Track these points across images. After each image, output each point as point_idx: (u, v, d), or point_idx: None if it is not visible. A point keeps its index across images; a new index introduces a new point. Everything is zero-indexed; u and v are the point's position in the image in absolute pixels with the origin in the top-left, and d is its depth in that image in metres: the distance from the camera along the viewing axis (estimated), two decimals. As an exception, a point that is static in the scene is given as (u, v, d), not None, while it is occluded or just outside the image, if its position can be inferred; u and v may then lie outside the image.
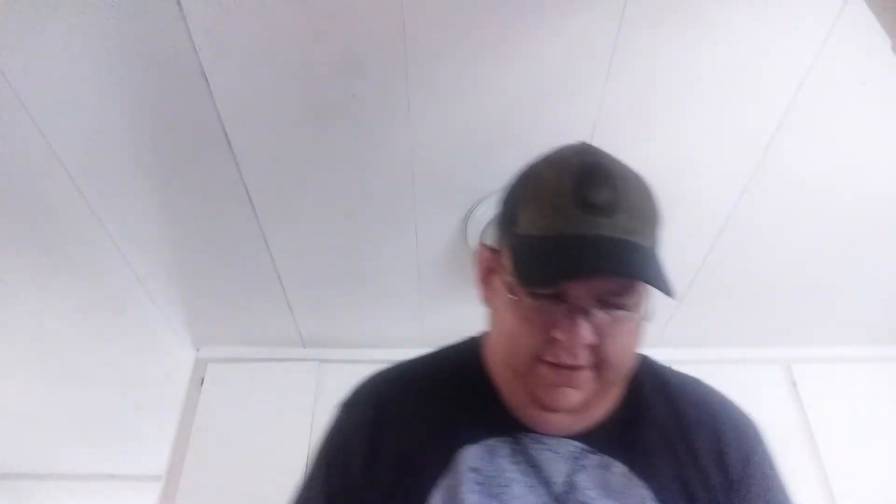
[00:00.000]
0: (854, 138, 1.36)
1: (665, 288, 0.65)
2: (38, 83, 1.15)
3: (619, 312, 0.69)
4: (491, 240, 0.81)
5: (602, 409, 0.78)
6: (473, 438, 0.76)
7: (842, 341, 2.07)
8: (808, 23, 1.13)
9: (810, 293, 1.84)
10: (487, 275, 0.80)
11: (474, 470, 0.73)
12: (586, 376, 0.70)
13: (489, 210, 1.49)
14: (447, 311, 1.91)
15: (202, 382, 2.01)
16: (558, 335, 0.68)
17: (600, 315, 0.68)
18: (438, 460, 0.74)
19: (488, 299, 0.81)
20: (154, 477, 2.02)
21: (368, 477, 0.76)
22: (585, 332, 0.67)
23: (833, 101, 1.28)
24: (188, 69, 1.14)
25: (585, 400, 0.73)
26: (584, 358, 0.69)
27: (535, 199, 0.72)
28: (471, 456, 0.74)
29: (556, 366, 0.70)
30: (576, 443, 0.76)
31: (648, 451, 0.76)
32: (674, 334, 1.92)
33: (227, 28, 1.08)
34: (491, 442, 0.76)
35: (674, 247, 1.62)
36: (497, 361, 0.80)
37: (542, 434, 0.76)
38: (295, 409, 1.94)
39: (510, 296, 0.71)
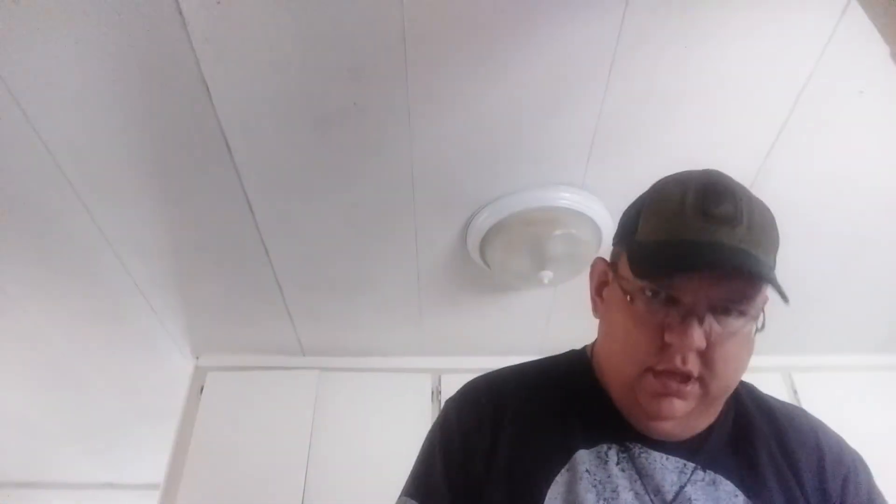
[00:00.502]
0: (853, 147, 1.37)
1: (782, 292, 0.67)
2: (39, 91, 1.16)
3: (732, 321, 0.70)
4: (608, 257, 0.83)
5: (706, 420, 0.79)
6: (587, 443, 0.77)
7: (842, 350, 2.07)
8: (807, 32, 1.14)
9: (810, 302, 1.84)
10: (601, 287, 0.82)
11: (589, 472, 0.75)
12: (693, 388, 0.71)
13: (489, 218, 1.50)
14: (447, 318, 1.91)
15: (201, 391, 2.01)
16: (670, 338, 0.68)
17: (713, 322, 0.69)
18: (559, 458, 0.76)
19: (601, 311, 0.83)
20: (153, 486, 2.01)
21: (489, 469, 0.77)
22: (697, 335, 0.68)
23: (832, 110, 1.28)
24: (189, 77, 1.15)
25: (690, 410, 0.73)
26: (693, 364, 0.69)
27: (657, 210, 0.74)
28: (586, 459, 0.76)
29: (666, 374, 0.70)
30: (684, 459, 0.76)
31: (755, 470, 0.77)
32: (674, 343, 1.91)
33: (228, 37, 1.08)
34: (603, 448, 0.77)
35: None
36: (608, 370, 0.81)
37: (652, 444, 0.77)
38: (295, 418, 1.94)
39: (626, 298, 0.73)
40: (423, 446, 0.86)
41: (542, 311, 1.89)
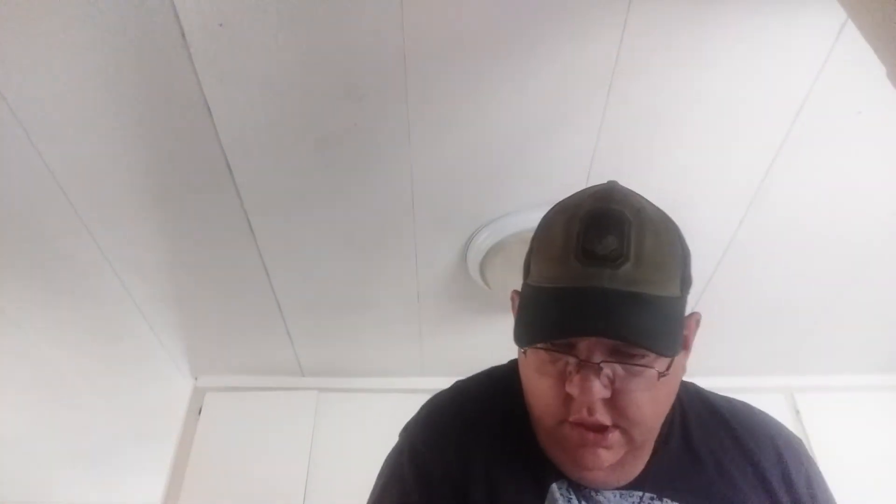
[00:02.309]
0: (852, 167, 1.37)
1: (657, 346, 0.62)
2: (41, 111, 1.16)
3: (635, 365, 0.66)
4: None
5: (641, 462, 0.76)
6: (554, 477, 0.74)
7: (845, 370, 2.06)
8: (804, 52, 1.15)
9: (812, 321, 1.84)
10: None
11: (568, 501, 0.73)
12: (615, 437, 0.67)
13: (489, 238, 1.50)
14: (447, 338, 1.90)
15: (200, 412, 1.99)
16: (570, 389, 0.65)
17: (615, 367, 0.65)
18: (536, 493, 0.73)
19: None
20: (150, 508, 1.99)
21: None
22: (596, 387, 0.64)
23: (830, 130, 1.29)
24: (191, 98, 1.15)
25: (619, 459, 0.70)
26: (601, 414, 0.66)
27: (543, 249, 0.71)
28: (560, 492, 0.73)
29: (581, 426, 0.67)
30: (637, 492, 0.74)
31: (708, 485, 0.75)
32: (675, 363, 1.91)
33: (230, 58, 1.09)
34: (564, 484, 0.74)
35: (674, 275, 1.63)
36: (533, 417, 0.76)
37: (599, 489, 0.74)
38: (294, 439, 1.93)
39: (519, 350, 0.70)
40: (384, 481, 0.81)
41: (543, 331, 1.88)
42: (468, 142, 1.28)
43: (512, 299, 0.80)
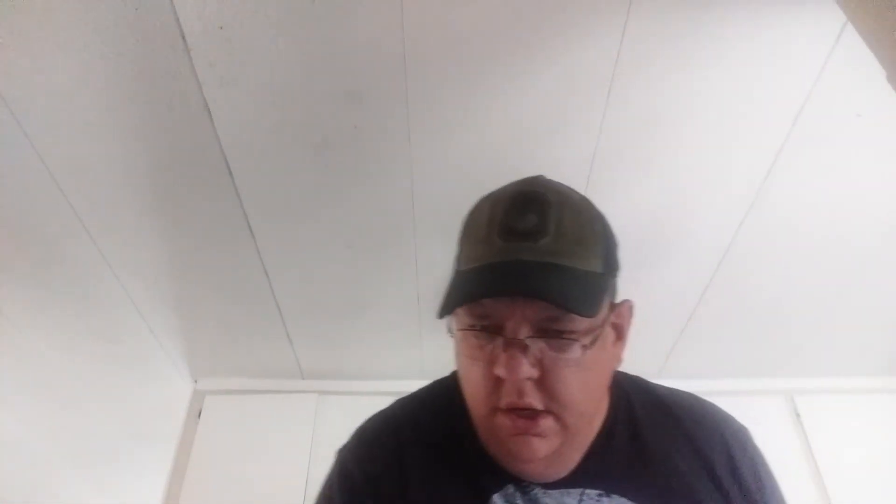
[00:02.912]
0: (851, 169, 1.37)
1: (576, 306, 0.62)
2: (42, 114, 1.17)
3: (564, 343, 0.65)
4: None
5: (579, 452, 0.75)
6: (497, 486, 0.73)
7: (844, 372, 2.06)
8: (804, 55, 1.15)
9: (811, 324, 1.83)
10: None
11: None
12: (547, 423, 0.67)
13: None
14: (447, 342, 1.90)
15: (199, 414, 1.99)
16: (497, 370, 0.64)
17: (544, 347, 0.65)
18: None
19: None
20: (149, 511, 1.99)
21: None
22: (523, 365, 0.63)
23: (830, 133, 1.29)
24: (192, 101, 1.16)
25: (555, 448, 0.69)
26: (532, 396, 0.65)
27: (468, 234, 0.72)
28: (503, 502, 0.73)
29: (513, 412, 0.66)
30: (581, 488, 0.73)
31: (654, 478, 0.75)
32: (674, 367, 1.90)
33: (230, 61, 1.09)
34: (510, 490, 0.73)
35: (673, 279, 1.63)
36: (471, 413, 0.75)
37: (540, 482, 0.73)
38: (294, 442, 1.92)
39: (449, 335, 0.71)
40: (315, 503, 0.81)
41: (543, 333, 1.88)
42: (468, 144, 1.28)
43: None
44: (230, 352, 1.95)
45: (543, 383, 0.65)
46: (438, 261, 1.59)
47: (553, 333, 0.65)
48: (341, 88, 1.16)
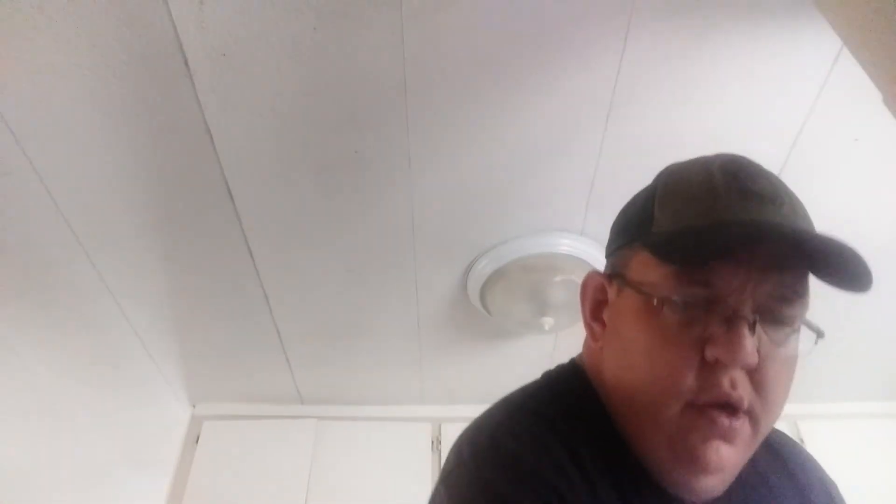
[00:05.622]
0: (850, 193, 1.37)
1: (868, 282, 0.55)
2: (44, 139, 1.17)
3: (783, 330, 0.56)
4: (604, 270, 0.68)
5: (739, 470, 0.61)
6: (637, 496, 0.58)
7: (847, 397, 2.05)
8: (801, 80, 1.16)
9: (815, 350, 1.82)
10: (598, 308, 0.66)
11: None
12: (742, 427, 0.54)
13: (489, 265, 1.50)
14: (447, 366, 1.89)
15: (197, 440, 1.97)
16: (713, 353, 0.52)
17: (762, 331, 0.54)
18: None
19: (605, 338, 0.64)
20: (146, 538, 1.96)
21: None
22: (750, 345, 0.51)
23: (827, 158, 1.29)
24: (193, 126, 1.16)
25: (737, 460, 0.56)
26: (744, 389, 0.53)
27: (678, 194, 0.60)
28: None
29: (713, 408, 0.53)
30: None
31: None
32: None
33: (232, 87, 1.10)
34: None
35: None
36: (629, 415, 0.59)
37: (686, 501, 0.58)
38: (292, 468, 1.90)
39: (647, 307, 0.56)
40: None
41: (544, 357, 1.87)
42: (468, 169, 1.29)
43: (588, 283, 0.68)
44: (229, 376, 1.94)
45: (756, 377, 0.54)
46: (438, 285, 1.59)
47: (780, 318, 0.55)
48: (342, 113, 1.16)
